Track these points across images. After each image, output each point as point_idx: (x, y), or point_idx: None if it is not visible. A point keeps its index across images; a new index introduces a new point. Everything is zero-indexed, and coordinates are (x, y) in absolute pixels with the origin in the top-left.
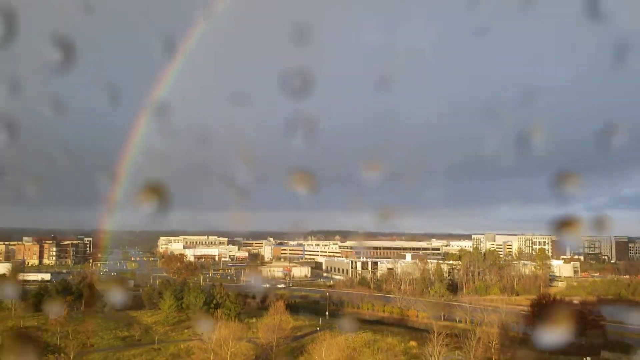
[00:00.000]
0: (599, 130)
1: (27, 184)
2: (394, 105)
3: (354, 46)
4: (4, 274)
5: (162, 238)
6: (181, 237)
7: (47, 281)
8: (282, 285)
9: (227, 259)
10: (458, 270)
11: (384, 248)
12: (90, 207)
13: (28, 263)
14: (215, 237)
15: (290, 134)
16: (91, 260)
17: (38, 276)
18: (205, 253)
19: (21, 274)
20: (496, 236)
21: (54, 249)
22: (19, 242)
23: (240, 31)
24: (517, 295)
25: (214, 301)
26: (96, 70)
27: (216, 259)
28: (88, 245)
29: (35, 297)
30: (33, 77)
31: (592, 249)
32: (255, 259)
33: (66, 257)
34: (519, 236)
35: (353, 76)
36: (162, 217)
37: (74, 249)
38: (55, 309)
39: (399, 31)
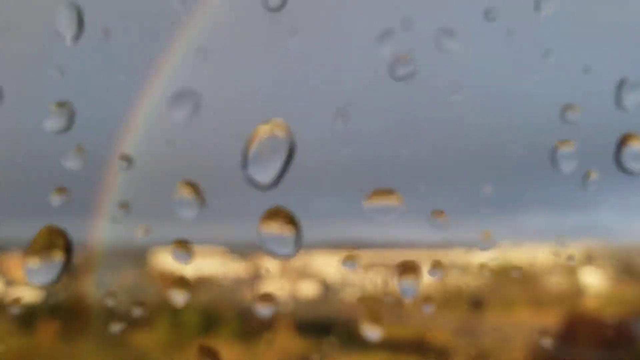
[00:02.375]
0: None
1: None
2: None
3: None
4: None
5: (156, 249)
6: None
7: (35, 297)
8: (288, 301)
9: (227, 270)
10: (480, 282)
11: (398, 261)
12: (79, 216)
13: (14, 277)
14: (215, 246)
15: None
16: (81, 275)
17: (24, 291)
18: (204, 265)
19: (7, 288)
20: (522, 245)
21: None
22: (4, 254)
23: None
24: (545, 308)
25: (214, 319)
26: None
27: (215, 271)
28: (78, 258)
29: (22, 315)
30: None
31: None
32: (259, 271)
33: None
34: (547, 245)
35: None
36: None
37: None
38: (43, 328)
39: None
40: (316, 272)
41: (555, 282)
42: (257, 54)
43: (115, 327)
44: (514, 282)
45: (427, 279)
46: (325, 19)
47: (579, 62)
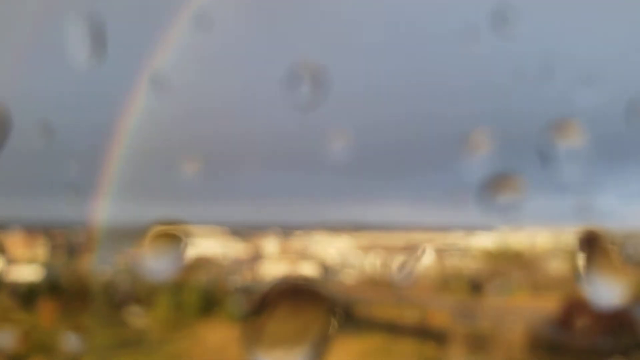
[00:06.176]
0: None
1: (12, 169)
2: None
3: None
4: None
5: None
6: (177, 227)
7: (37, 275)
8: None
9: (227, 251)
10: (480, 266)
11: (398, 242)
12: (81, 196)
13: (16, 255)
14: (215, 226)
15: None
16: (82, 254)
17: (27, 269)
18: (204, 246)
19: (9, 266)
20: (522, 228)
21: (44, 240)
22: (6, 232)
23: None
24: (544, 293)
25: (214, 300)
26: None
27: (216, 252)
28: (79, 237)
29: (25, 292)
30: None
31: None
32: (258, 252)
33: (57, 250)
34: (546, 228)
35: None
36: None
37: (65, 241)
38: (45, 305)
39: None
40: (316, 251)
41: (556, 265)
42: None
43: (116, 304)
44: (514, 264)
45: (425, 261)
46: None
47: None
